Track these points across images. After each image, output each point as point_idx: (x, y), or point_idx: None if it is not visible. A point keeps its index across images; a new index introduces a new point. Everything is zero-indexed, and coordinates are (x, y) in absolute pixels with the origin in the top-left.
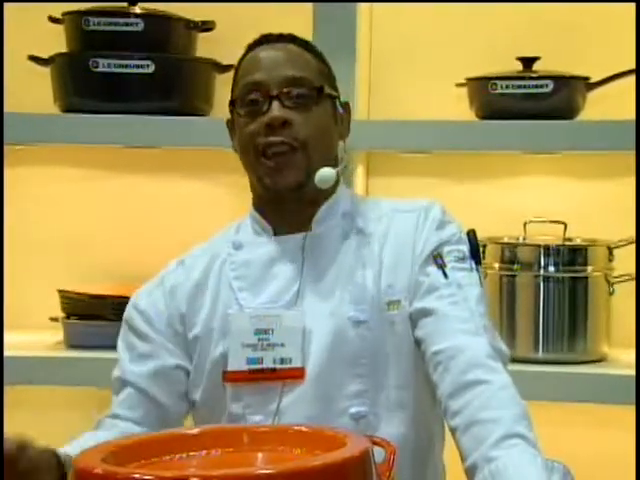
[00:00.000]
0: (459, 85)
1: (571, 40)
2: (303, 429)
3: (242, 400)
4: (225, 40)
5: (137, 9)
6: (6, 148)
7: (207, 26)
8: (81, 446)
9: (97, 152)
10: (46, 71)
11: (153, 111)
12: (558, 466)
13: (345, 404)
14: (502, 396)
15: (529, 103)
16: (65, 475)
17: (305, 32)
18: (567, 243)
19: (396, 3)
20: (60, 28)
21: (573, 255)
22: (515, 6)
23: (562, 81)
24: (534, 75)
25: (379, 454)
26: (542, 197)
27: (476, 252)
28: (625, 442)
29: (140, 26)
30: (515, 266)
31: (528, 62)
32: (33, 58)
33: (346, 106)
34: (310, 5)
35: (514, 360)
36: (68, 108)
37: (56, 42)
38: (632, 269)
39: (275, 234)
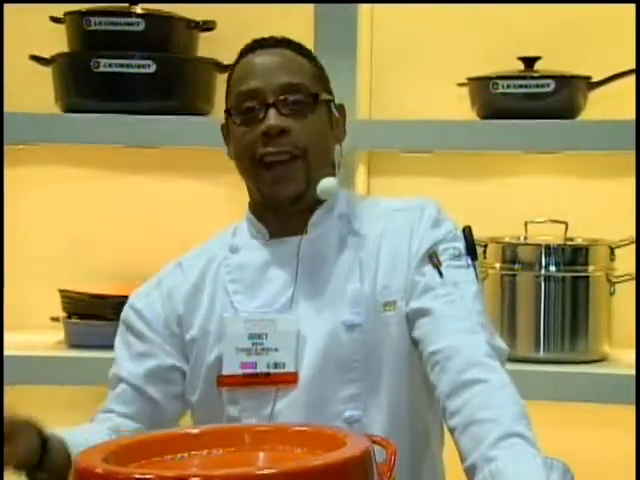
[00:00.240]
0: (460, 85)
1: (572, 40)
2: (304, 429)
3: (238, 404)
4: (226, 40)
5: (138, 9)
6: (7, 148)
7: (208, 26)
8: (70, 432)
9: (98, 152)
10: (47, 71)
11: (154, 111)
12: (557, 464)
13: (339, 408)
14: (500, 395)
15: (530, 103)
16: (45, 441)
17: (306, 33)
18: (568, 243)
19: (397, 4)
20: (61, 28)
21: (574, 255)
22: (516, 6)
23: (563, 81)
24: (535, 75)
25: (379, 454)
26: (543, 197)
27: (472, 249)
28: (625, 442)
29: (141, 26)
30: (516, 266)
31: (529, 62)
32: (34, 58)
33: (341, 108)
34: (311, 6)
35: (515, 360)
36: (69, 108)
37: (57, 42)
38: (633, 269)
39: (271, 237)
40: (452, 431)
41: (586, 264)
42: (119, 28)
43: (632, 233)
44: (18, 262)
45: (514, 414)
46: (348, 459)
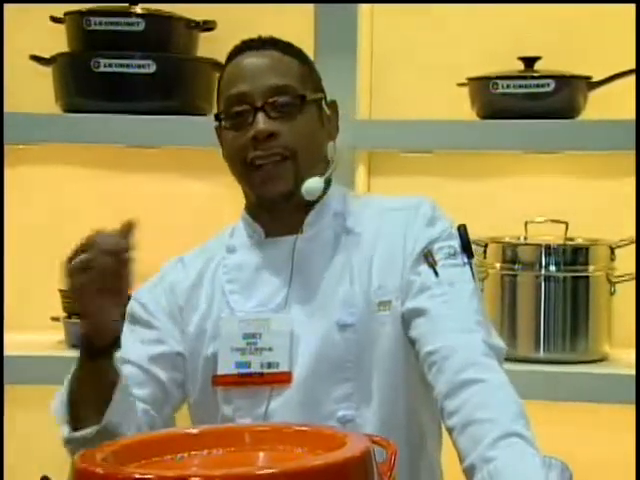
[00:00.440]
0: (460, 85)
1: (572, 40)
2: (304, 429)
3: (232, 403)
4: (226, 40)
5: (138, 9)
6: (7, 148)
7: (208, 26)
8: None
9: (98, 152)
10: (48, 71)
11: (154, 111)
12: (556, 463)
13: (332, 407)
14: (498, 395)
15: (530, 103)
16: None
17: (306, 33)
18: (568, 243)
19: (397, 4)
20: (62, 28)
21: (574, 255)
22: (516, 6)
23: (563, 81)
24: (535, 75)
25: (379, 454)
26: (543, 197)
27: (467, 247)
28: (625, 442)
29: (141, 26)
30: (516, 266)
31: (529, 62)
32: (35, 58)
33: (332, 105)
34: (311, 6)
35: (515, 360)
36: (69, 108)
37: (58, 42)
38: (633, 269)
39: (267, 237)
40: (450, 431)
41: (586, 264)
42: (119, 28)
43: (632, 233)
44: (18, 262)
45: (512, 414)
46: (348, 459)
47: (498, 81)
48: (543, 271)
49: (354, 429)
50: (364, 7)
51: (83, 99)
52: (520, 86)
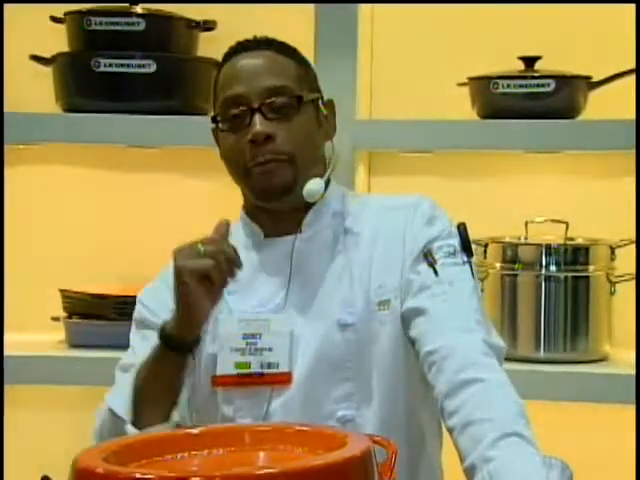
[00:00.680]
0: (461, 85)
1: (572, 39)
2: (304, 428)
3: (233, 403)
4: (226, 40)
5: (139, 9)
6: (7, 148)
7: (208, 26)
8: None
9: (98, 151)
10: (48, 71)
11: (154, 111)
12: (556, 462)
13: (332, 407)
14: (498, 394)
15: (531, 102)
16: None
17: (306, 33)
18: (569, 242)
19: (397, 4)
20: (62, 28)
21: (575, 254)
22: (516, 6)
23: (564, 80)
24: (536, 74)
25: (379, 454)
26: (544, 196)
27: (467, 245)
28: (625, 442)
29: (142, 26)
30: (517, 265)
31: (530, 61)
32: (35, 58)
33: (329, 104)
34: (311, 6)
35: (515, 360)
36: (70, 108)
37: (58, 42)
38: (634, 269)
39: (266, 237)
40: (451, 431)
41: (586, 264)
42: (119, 28)
43: (632, 233)
44: (18, 262)
45: (512, 413)
46: (349, 459)
47: (498, 81)
48: (543, 271)
49: (354, 429)
50: (364, 7)
51: (83, 99)
52: (520, 86)
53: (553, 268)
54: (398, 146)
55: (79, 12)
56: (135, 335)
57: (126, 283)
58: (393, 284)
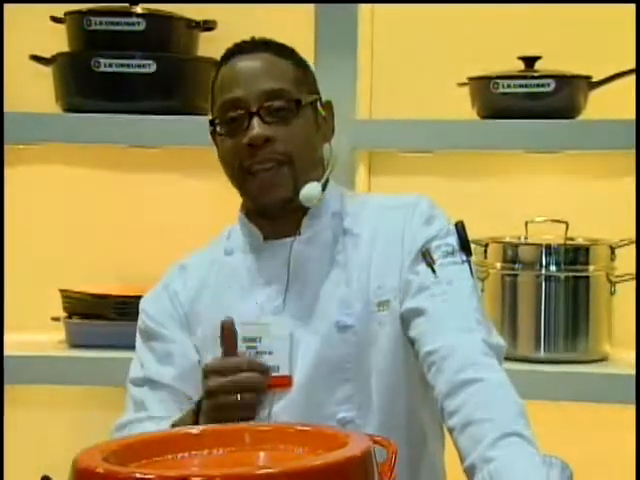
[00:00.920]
0: (461, 84)
1: (573, 39)
2: (305, 428)
3: None
4: (227, 40)
5: (139, 9)
6: (7, 148)
7: (208, 25)
8: None
9: (98, 151)
10: (48, 71)
11: (155, 111)
12: (556, 462)
13: (333, 409)
14: (498, 394)
15: (531, 102)
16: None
17: (306, 33)
18: (569, 242)
19: (397, 4)
20: (62, 28)
21: (575, 254)
22: (516, 6)
23: (564, 80)
24: (536, 74)
25: (380, 454)
26: (544, 196)
27: (465, 244)
28: (625, 442)
29: (142, 26)
30: (517, 265)
31: (530, 61)
32: (35, 58)
33: (328, 105)
34: (311, 6)
35: (515, 359)
36: (70, 108)
37: (58, 42)
38: (634, 269)
39: (265, 239)
40: (451, 431)
41: (586, 264)
42: (119, 28)
43: (632, 233)
44: (18, 262)
45: (512, 413)
46: (349, 459)
47: (498, 81)
48: (543, 271)
49: (354, 430)
50: (364, 7)
51: (83, 99)
52: (520, 86)
53: (553, 268)
54: (398, 146)
55: (79, 12)
56: (141, 347)
57: (126, 283)
58: (392, 284)
